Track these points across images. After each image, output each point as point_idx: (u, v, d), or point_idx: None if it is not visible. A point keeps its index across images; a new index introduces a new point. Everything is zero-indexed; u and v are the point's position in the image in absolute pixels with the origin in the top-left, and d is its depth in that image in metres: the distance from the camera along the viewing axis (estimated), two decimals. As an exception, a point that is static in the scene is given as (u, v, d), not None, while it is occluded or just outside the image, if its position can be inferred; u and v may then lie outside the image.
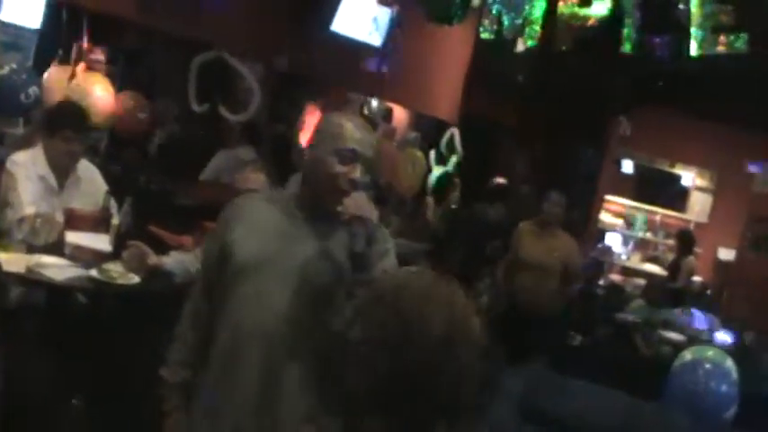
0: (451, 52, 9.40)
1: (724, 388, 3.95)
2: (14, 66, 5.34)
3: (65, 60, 6.45)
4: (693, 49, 5.58)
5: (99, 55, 6.73)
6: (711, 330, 7.46)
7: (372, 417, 1.62)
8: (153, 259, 4.25)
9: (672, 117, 11.95)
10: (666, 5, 5.97)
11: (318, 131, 2.94)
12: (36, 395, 4.30)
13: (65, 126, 4.79)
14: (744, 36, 5.41)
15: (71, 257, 4.41)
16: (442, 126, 9.86)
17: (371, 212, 3.12)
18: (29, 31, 6.83)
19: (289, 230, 2.92)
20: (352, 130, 2.87)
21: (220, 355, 2.87)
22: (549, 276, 6.98)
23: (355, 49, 7.76)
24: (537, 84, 9.72)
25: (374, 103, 10.47)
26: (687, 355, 4.30)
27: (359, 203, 2.98)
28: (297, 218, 2.94)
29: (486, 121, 10.16)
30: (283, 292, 2.80)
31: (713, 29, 5.47)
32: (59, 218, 4.61)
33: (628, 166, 13.25)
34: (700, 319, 7.56)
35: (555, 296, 7.09)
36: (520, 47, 9.34)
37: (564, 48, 6.92)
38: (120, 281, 4.24)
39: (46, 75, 6.31)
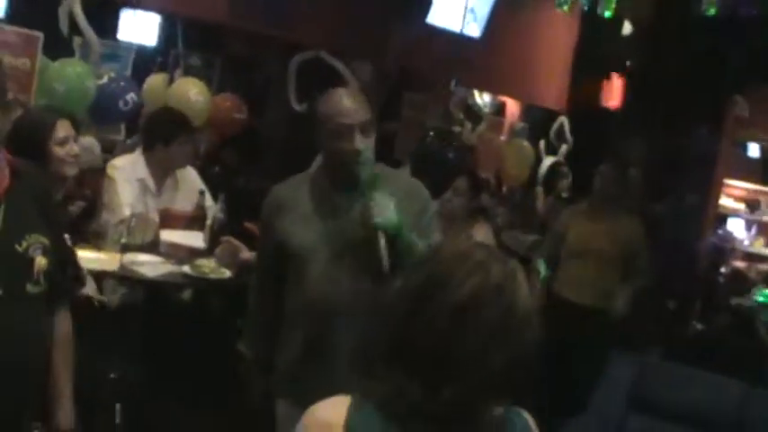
0: (556, 39, 9.28)
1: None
2: (113, 75, 5.51)
3: (163, 68, 6.65)
4: None
5: (195, 60, 6.94)
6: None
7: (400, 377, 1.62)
8: (245, 254, 4.37)
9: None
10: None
11: (316, 115, 3.05)
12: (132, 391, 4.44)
13: (181, 133, 4.97)
14: None
15: (166, 255, 4.54)
16: (551, 116, 9.74)
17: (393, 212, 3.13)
18: (127, 42, 7.09)
19: (335, 207, 3.10)
20: (338, 104, 3.00)
21: (303, 336, 3.07)
22: (604, 266, 5.94)
23: (453, 41, 7.71)
24: (645, 66, 9.51)
25: (486, 97, 10.40)
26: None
27: (383, 206, 2.99)
28: (328, 196, 3.12)
29: (596, 107, 9.98)
30: (341, 266, 3.01)
31: None
32: (155, 218, 4.74)
33: (754, 150, 12.84)
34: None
35: (610, 289, 5.92)
36: (626, 29, 9.19)
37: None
38: (212, 276, 4.35)
39: (146, 83, 6.51)
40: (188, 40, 6.84)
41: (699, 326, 8.54)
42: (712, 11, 6.16)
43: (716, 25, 8.43)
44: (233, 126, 6.48)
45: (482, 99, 10.31)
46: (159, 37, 7.44)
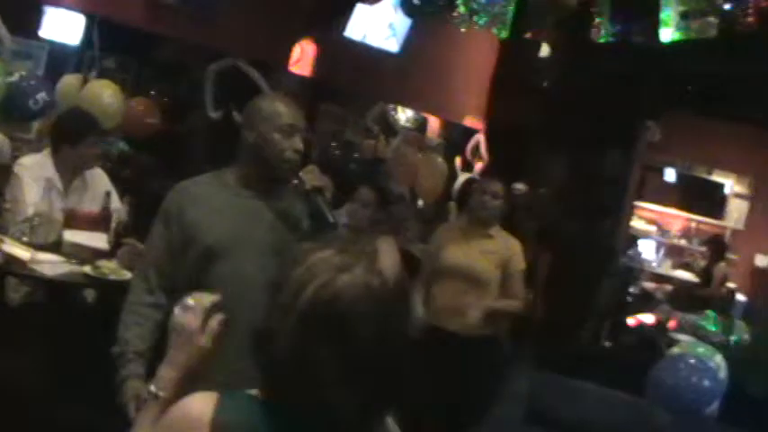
0: (476, 58, 9.43)
1: (706, 383, 3.92)
2: (24, 73, 5.48)
3: (78, 68, 6.63)
4: (665, 36, 5.54)
5: (111, 62, 6.93)
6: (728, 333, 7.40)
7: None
8: (147, 257, 4.38)
9: (707, 122, 11.86)
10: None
11: (253, 115, 3.13)
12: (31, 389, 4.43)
13: (89, 133, 4.96)
14: (713, 21, 5.32)
15: (68, 255, 4.53)
16: (470, 133, 9.89)
17: (327, 182, 3.38)
18: (41, 40, 7.04)
19: (248, 209, 3.15)
20: (284, 107, 3.12)
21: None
22: (479, 288, 5.35)
23: (372, 56, 7.81)
24: (562, 89, 9.69)
25: (409, 112, 10.52)
26: (675, 350, 4.29)
27: (316, 175, 3.30)
28: (250, 197, 3.17)
29: (513, 127, 10.15)
30: (257, 266, 2.97)
31: (683, 14, 5.39)
32: (59, 217, 4.74)
33: (670, 175, 13.20)
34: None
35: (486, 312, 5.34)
36: (544, 51, 9.38)
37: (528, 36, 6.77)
38: (111, 277, 4.36)
39: (59, 83, 6.47)
40: (106, 41, 6.82)
41: (606, 343, 8.75)
42: (604, 39, 6.31)
43: (631, 51, 8.64)
44: (146, 130, 6.49)
45: (405, 114, 10.45)
46: (84, 37, 7.37)
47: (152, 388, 1.90)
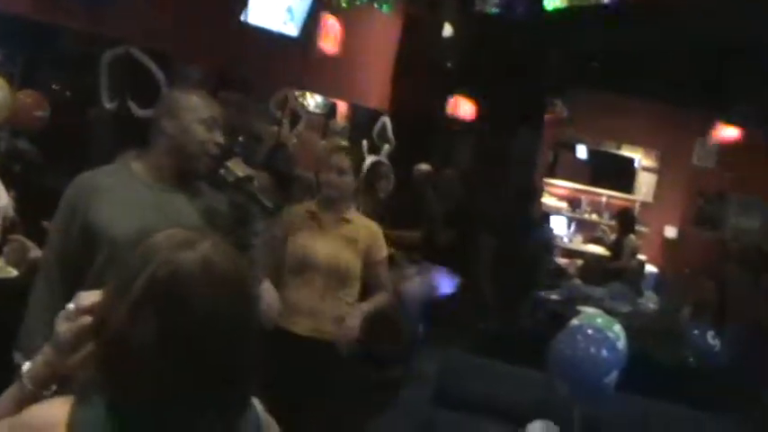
0: (378, 40, 9.39)
1: (604, 353, 3.92)
2: None
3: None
4: (549, 4, 5.52)
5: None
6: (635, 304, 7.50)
7: None
8: (35, 253, 4.26)
9: (615, 98, 12.03)
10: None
11: (172, 106, 3.06)
12: None
13: None
14: None
15: (-51, 253, 4.40)
16: (376, 116, 9.85)
17: (254, 172, 3.47)
18: None
19: (161, 203, 3.02)
20: (205, 101, 3.08)
21: None
22: (341, 283, 4.54)
23: (272, 41, 7.71)
24: (465, 68, 9.72)
25: (318, 97, 10.44)
26: (574, 321, 4.29)
27: (241, 166, 3.21)
28: (164, 190, 3.08)
29: (419, 108, 10.14)
30: None
31: None
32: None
33: (581, 151, 13.37)
34: (622, 294, 7.58)
35: (341, 313, 4.49)
36: (447, 31, 9.37)
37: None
38: (-3, 274, 4.24)
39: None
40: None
41: (521, 319, 8.78)
42: (488, 11, 6.32)
43: (535, 28, 8.69)
44: (36, 123, 6.30)
45: (314, 100, 10.37)
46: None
47: (24, 369, 1.78)
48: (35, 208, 4.86)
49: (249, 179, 3.21)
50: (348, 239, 4.55)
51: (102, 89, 6.74)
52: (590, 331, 4.04)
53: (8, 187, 5.07)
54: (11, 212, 4.78)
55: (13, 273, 4.27)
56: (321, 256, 4.46)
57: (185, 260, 1.53)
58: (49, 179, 6.32)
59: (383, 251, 4.74)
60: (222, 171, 3.19)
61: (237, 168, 3.21)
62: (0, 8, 6.06)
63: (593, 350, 3.93)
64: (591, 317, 4.37)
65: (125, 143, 3.70)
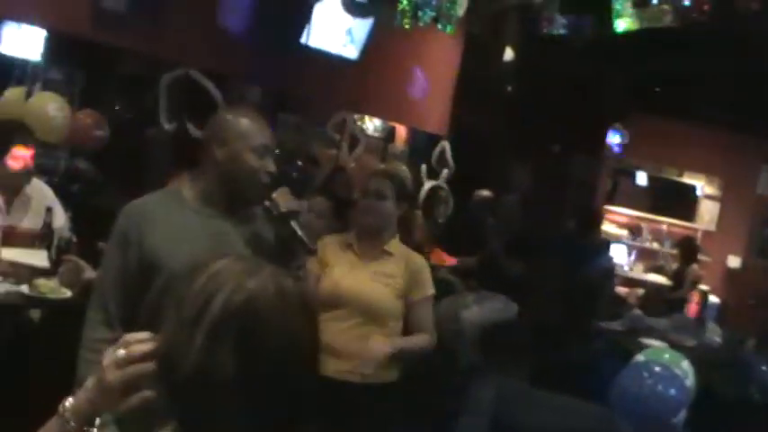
0: (439, 64, 9.29)
1: (672, 391, 3.77)
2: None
3: (21, 81, 6.46)
4: (620, 26, 5.33)
5: (56, 75, 6.77)
6: (700, 336, 7.29)
7: None
8: (89, 274, 4.22)
9: (676, 124, 11.82)
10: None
11: (223, 130, 2.97)
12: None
13: (12, 145, 4.79)
14: (667, 8, 5.09)
15: (5, 274, 4.36)
16: (435, 140, 9.75)
17: (299, 205, 3.32)
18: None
19: (212, 230, 2.97)
20: (257, 126, 2.98)
21: None
22: (376, 324, 4.02)
23: (331, 63, 7.65)
24: (526, 93, 9.60)
25: (377, 121, 10.39)
26: (640, 357, 4.14)
27: (287, 198, 3.14)
28: (213, 216, 3.00)
29: (479, 132, 10.03)
30: None
31: (636, 3, 5.17)
32: (-3, 236, 4.58)
33: (642, 178, 13.15)
34: (686, 326, 7.37)
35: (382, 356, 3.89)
36: (508, 55, 9.26)
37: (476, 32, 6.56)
38: (50, 296, 4.20)
39: (2, 96, 6.31)
40: (53, 53, 6.68)
41: (580, 350, 8.60)
42: (554, 32, 6.17)
43: (598, 52, 8.55)
44: (93, 143, 6.31)
45: (372, 123, 10.31)
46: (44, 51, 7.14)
47: (66, 404, 1.68)
48: (91, 228, 4.84)
49: (292, 214, 3.09)
50: (386, 275, 4.06)
51: (161, 110, 6.75)
52: (657, 368, 3.90)
53: (65, 207, 5.06)
54: (66, 233, 4.77)
55: (67, 293, 4.23)
56: (351, 291, 3.98)
57: (258, 287, 1.47)
58: (106, 199, 6.32)
59: (427, 289, 4.16)
60: (268, 203, 3.08)
61: (282, 201, 3.09)
62: (61, 29, 6.08)
63: (660, 388, 3.80)
64: (657, 352, 4.24)
65: (182, 164, 3.63)
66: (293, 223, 3.10)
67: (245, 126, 2.99)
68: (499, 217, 8.25)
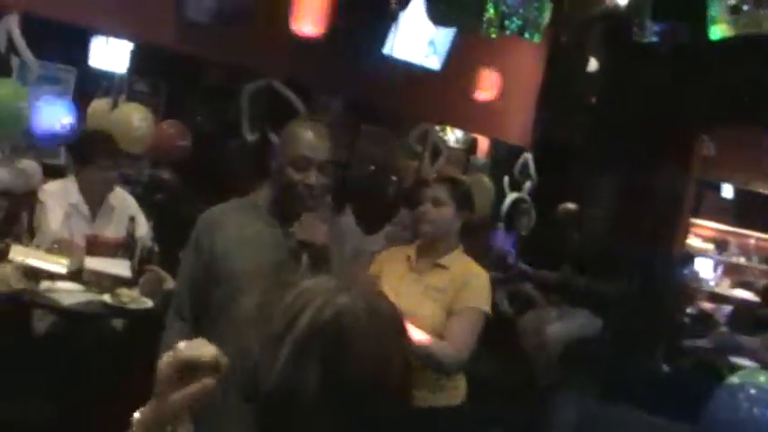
0: (522, 75, 9.18)
1: (769, 416, 3.62)
2: (50, 97, 5.37)
3: (108, 93, 6.54)
4: (715, 33, 5.11)
5: (141, 86, 6.84)
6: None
7: None
8: (169, 284, 4.23)
9: (763, 135, 11.50)
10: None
11: (280, 140, 2.99)
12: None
13: (96, 155, 4.85)
14: (766, 14, 4.85)
15: (89, 283, 4.39)
16: (517, 151, 9.63)
17: (322, 235, 3.02)
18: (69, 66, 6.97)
19: (274, 239, 3.01)
20: (305, 136, 2.96)
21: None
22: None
23: (413, 74, 7.58)
24: (610, 103, 9.43)
25: (458, 132, 10.32)
26: (734, 379, 3.99)
27: (309, 226, 2.99)
28: (275, 226, 3.04)
29: (562, 144, 9.88)
30: None
31: (733, 8, 4.94)
32: (80, 244, 4.61)
33: (728, 191, 12.83)
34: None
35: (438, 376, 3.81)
36: (592, 66, 9.12)
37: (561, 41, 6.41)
38: (131, 305, 4.21)
39: (90, 107, 6.39)
40: (138, 64, 6.75)
41: (664, 367, 8.42)
42: (645, 39, 6.01)
43: (682, 63, 8.37)
44: (177, 153, 6.35)
45: (454, 134, 10.24)
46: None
47: (136, 416, 1.65)
48: (173, 237, 4.84)
49: (306, 245, 2.96)
50: (437, 289, 3.79)
51: (243, 121, 6.77)
52: (753, 391, 3.74)
53: (148, 216, 5.09)
54: (149, 242, 4.79)
55: (148, 303, 4.24)
56: (412, 303, 3.69)
57: (348, 304, 1.43)
58: (188, 209, 6.35)
59: (471, 300, 3.77)
60: (291, 229, 3.03)
61: (300, 230, 2.98)
62: (146, 40, 6.12)
63: (756, 412, 3.63)
64: (752, 374, 4.07)
65: (264, 175, 3.60)
66: (304, 256, 2.95)
67: (293, 136, 3.02)
68: (585, 231, 8.08)
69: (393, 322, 1.49)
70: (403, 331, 1.52)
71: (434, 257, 3.84)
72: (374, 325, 1.43)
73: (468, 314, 3.73)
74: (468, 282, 3.77)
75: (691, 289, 11.34)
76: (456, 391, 3.88)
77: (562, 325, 7.11)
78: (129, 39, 6.51)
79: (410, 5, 6.61)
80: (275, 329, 1.43)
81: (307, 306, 1.42)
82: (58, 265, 4.27)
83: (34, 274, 4.13)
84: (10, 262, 4.04)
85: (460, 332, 3.69)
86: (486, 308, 3.78)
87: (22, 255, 4.13)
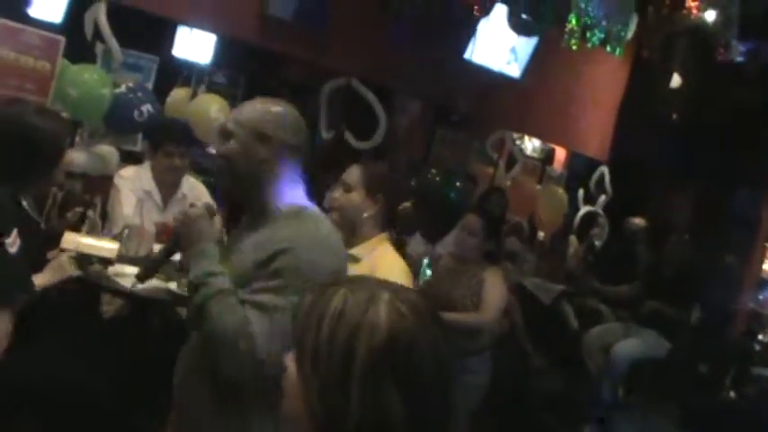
0: (603, 87, 9.09)
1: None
2: (131, 84, 5.44)
3: (188, 83, 6.63)
4: None
5: (220, 77, 6.90)
6: None
7: None
8: (237, 273, 4.22)
9: None
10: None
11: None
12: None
13: (165, 141, 4.90)
14: None
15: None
16: (594, 164, 9.54)
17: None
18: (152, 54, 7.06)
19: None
20: (239, 107, 2.72)
21: None
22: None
23: (493, 80, 7.55)
24: (691, 121, 9.26)
25: (536, 141, 10.26)
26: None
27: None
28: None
29: (640, 160, 9.74)
30: None
31: None
32: (151, 230, 4.65)
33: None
34: None
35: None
36: (675, 81, 8.97)
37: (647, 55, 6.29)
38: (194, 295, 4.21)
39: (169, 96, 6.47)
40: (218, 56, 6.81)
41: (732, 394, 8.25)
42: (732, 59, 5.88)
43: (764, 80, 8.21)
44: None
45: (531, 143, 10.18)
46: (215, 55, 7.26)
47: None
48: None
49: None
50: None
51: (322, 118, 6.80)
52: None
53: (218, 207, 5.11)
54: (218, 233, 4.80)
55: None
56: None
57: (391, 316, 1.39)
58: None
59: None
60: None
61: None
62: (230, 34, 6.19)
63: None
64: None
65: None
66: None
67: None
68: (665, 253, 7.91)
69: (429, 311, 1.45)
70: (438, 315, 1.49)
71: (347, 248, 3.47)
72: (422, 323, 1.41)
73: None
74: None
75: (763, 316, 11.10)
76: None
77: (629, 343, 7.00)
78: (213, 31, 6.59)
79: (492, 12, 6.57)
80: (332, 370, 1.38)
81: (355, 338, 1.37)
82: (106, 251, 4.27)
83: (86, 260, 4.14)
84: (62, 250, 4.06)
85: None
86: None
87: (73, 242, 4.15)
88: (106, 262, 4.18)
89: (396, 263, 3.50)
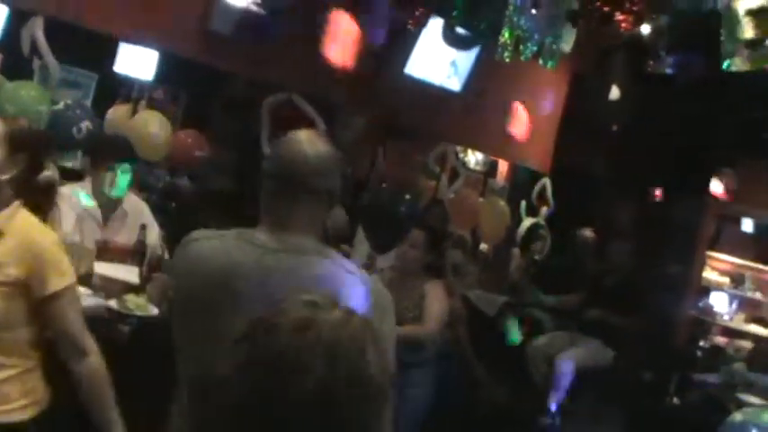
0: (543, 100, 9.18)
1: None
2: (69, 101, 5.40)
3: (128, 99, 6.59)
4: (730, 66, 5.07)
5: (160, 94, 6.87)
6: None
7: None
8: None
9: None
10: (697, 22, 5.55)
11: None
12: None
13: (110, 159, 4.85)
14: None
15: (97, 288, 4.39)
16: (537, 176, 9.62)
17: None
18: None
19: None
20: None
21: None
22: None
23: (434, 94, 7.59)
24: (632, 132, 9.40)
25: (479, 154, 10.31)
26: (738, 416, 3.95)
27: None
28: None
29: (581, 171, 9.86)
30: None
31: (750, 43, 4.90)
32: (91, 248, 4.61)
33: (747, 225, 12.69)
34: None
35: None
36: (614, 93, 9.09)
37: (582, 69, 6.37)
38: (137, 312, 4.19)
39: (108, 113, 6.43)
40: (158, 72, 6.78)
41: (675, 400, 8.35)
42: (660, 71, 5.99)
43: (706, 95, 8.34)
44: (193, 162, 6.37)
45: (475, 156, 10.23)
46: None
47: None
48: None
49: None
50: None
51: (263, 134, 6.78)
52: (755, 430, 3.70)
53: (161, 224, 5.09)
54: (158, 250, 4.78)
55: (154, 311, 4.23)
56: None
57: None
58: (203, 218, 6.38)
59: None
60: None
61: None
62: (170, 50, 6.15)
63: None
64: (757, 413, 4.03)
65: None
66: None
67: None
68: (607, 263, 8.02)
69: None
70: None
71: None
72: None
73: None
74: (37, 254, 2.99)
75: (705, 322, 11.27)
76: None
77: (573, 353, 7.07)
78: (155, 47, 6.55)
79: (431, 27, 6.61)
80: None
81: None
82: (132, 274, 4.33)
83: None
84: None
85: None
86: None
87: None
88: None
89: (48, 234, 3.13)
